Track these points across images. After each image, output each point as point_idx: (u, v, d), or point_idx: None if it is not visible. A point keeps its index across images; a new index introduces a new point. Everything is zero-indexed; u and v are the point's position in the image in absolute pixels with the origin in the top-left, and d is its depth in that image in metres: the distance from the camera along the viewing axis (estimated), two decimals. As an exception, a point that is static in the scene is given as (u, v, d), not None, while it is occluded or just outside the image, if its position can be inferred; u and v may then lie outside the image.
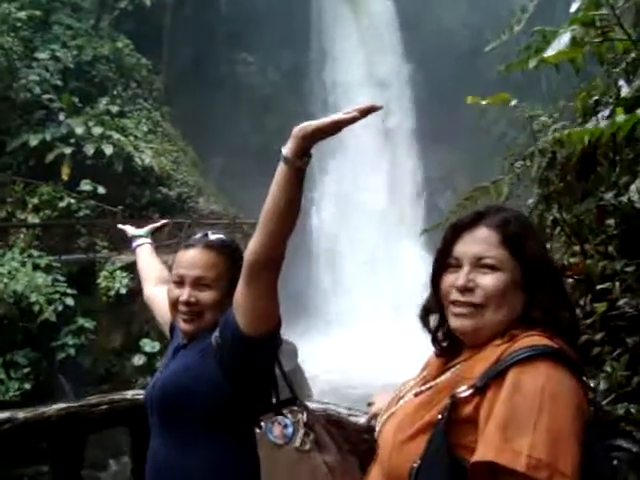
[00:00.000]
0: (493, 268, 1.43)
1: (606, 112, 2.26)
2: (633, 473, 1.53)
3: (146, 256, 2.72)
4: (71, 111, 19.12)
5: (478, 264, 1.44)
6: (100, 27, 22.69)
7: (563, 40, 2.38)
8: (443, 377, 1.46)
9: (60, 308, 14.21)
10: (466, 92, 2.97)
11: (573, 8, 2.60)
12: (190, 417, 1.97)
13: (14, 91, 18.38)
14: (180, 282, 2.06)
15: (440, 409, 1.35)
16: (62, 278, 14.90)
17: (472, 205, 3.08)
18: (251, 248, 1.72)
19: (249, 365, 1.92)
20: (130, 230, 2.86)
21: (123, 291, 15.00)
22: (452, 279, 1.47)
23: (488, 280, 1.42)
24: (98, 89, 21.14)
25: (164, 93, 24.68)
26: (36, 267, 14.56)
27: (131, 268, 14.48)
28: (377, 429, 1.55)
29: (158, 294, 2.43)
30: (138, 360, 14.89)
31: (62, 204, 17.58)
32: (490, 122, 28.42)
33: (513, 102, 2.90)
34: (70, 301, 14.48)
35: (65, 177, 17.94)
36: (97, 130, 18.74)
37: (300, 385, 17.41)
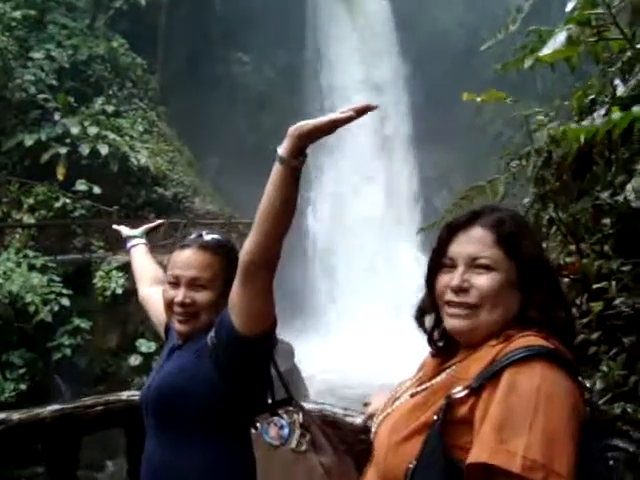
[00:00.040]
0: (488, 268, 1.42)
1: (602, 111, 2.26)
2: (630, 473, 1.53)
3: (141, 256, 2.71)
4: (66, 111, 19.07)
5: (473, 264, 1.44)
6: (95, 27, 22.63)
7: (559, 39, 2.38)
8: (439, 378, 1.46)
9: (56, 308, 14.18)
10: (462, 92, 2.96)
11: (569, 7, 2.59)
12: (185, 418, 1.97)
13: (9, 91, 18.33)
14: (175, 283, 2.05)
15: (435, 410, 1.34)
16: (58, 278, 14.86)
17: (468, 204, 3.07)
18: (246, 248, 1.72)
19: (245, 365, 1.91)
20: (125, 230, 2.85)
21: (119, 291, 14.97)
22: (447, 279, 1.46)
23: (483, 280, 1.41)
24: (93, 89, 21.09)
25: (160, 93, 24.62)
26: (32, 267, 14.53)
27: (127, 268, 14.43)
28: (373, 430, 1.55)
29: (153, 295, 2.42)
30: (134, 360, 14.87)
31: (57, 204, 17.55)
32: (486, 121, 28.45)
33: (508, 100, 2.90)
34: (66, 301, 14.45)
35: (60, 177, 17.90)
36: (92, 130, 18.69)
37: (296, 385, 17.40)
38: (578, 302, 2.51)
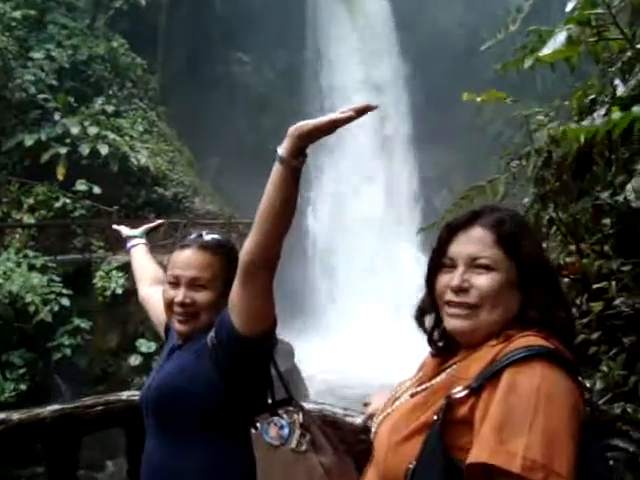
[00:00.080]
0: (488, 268, 1.42)
1: (602, 111, 2.26)
2: (629, 473, 1.53)
3: (141, 256, 2.71)
4: (66, 111, 19.07)
5: (473, 264, 1.44)
6: (95, 27, 22.62)
7: (559, 39, 2.38)
8: (439, 378, 1.45)
9: (56, 308, 14.18)
10: (462, 92, 2.96)
11: (569, 7, 2.59)
12: (185, 418, 1.97)
13: (9, 91, 18.33)
14: (175, 283, 2.05)
15: (435, 410, 1.34)
16: (58, 278, 14.86)
17: (468, 204, 3.07)
18: (246, 248, 1.72)
19: (245, 365, 1.91)
20: (125, 230, 2.84)
21: (119, 291, 14.97)
22: (447, 279, 1.46)
23: (483, 280, 1.41)
24: (93, 89, 21.08)
25: (160, 93, 24.61)
26: (32, 267, 14.53)
27: (127, 268, 14.43)
28: (373, 430, 1.55)
29: (153, 295, 2.42)
30: (134, 360, 14.86)
31: (57, 204, 17.54)
32: (486, 121, 28.45)
33: (509, 100, 2.90)
34: (66, 301, 14.45)
35: (60, 177, 17.90)
36: (93, 130, 18.69)
37: (296, 385, 17.40)
38: (578, 302, 2.51)
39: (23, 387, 13.06)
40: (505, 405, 1.23)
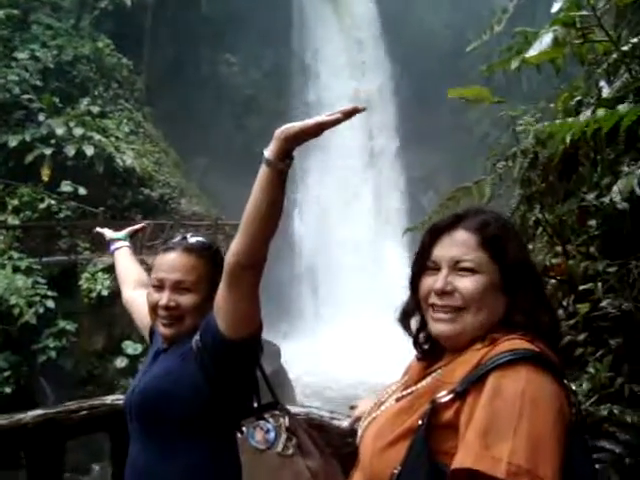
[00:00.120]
0: (472, 271, 1.41)
1: (588, 112, 2.26)
2: (616, 474, 1.53)
3: (124, 259, 2.69)
4: (51, 111, 18.94)
5: (456, 267, 1.43)
6: (80, 27, 22.48)
7: (545, 41, 2.39)
8: (424, 382, 1.44)
9: (41, 310, 14.07)
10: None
11: (555, 8, 2.60)
12: (170, 422, 1.95)
13: (-7, 91, 18.20)
14: (159, 286, 2.03)
15: (420, 415, 1.33)
16: (43, 280, 14.75)
17: (454, 205, 3.08)
18: (232, 250, 1.70)
19: (230, 369, 1.90)
20: (108, 233, 2.82)
21: (105, 293, 14.88)
22: (430, 282, 1.45)
23: (467, 283, 1.40)
24: (79, 89, 20.95)
25: (145, 93, 24.52)
26: (16, 269, 14.41)
27: (113, 270, 14.14)
28: (359, 434, 1.54)
29: (137, 298, 2.40)
30: (120, 362, 14.78)
31: (42, 205, 17.40)
32: (473, 122, 28.60)
33: (495, 100, 2.91)
34: (51, 303, 14.34)
35: (45, 178, 17.77)
36: (78, 131, 18.57)
37: (283, 386, 17.38)
38: (565, 303, 2.52)
39: (8, 390, 12.95)
40: (490, 409, 1.22)
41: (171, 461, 1.93)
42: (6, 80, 18.42)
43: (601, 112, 1.99)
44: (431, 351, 1.52)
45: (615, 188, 2.11)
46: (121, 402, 2.27)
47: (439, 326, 1.43)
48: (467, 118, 28.62)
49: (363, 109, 1.52)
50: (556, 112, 2.87)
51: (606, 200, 2.18)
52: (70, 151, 18.18)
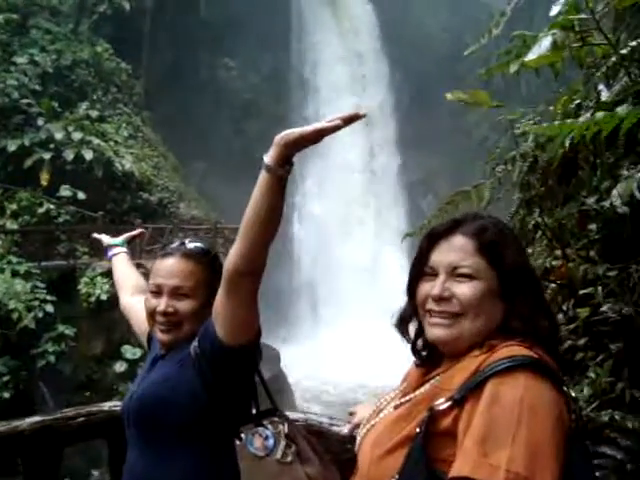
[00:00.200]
0: (469, 277, 1.40)
1: (587, 116, 2.26)
2: (616, 480, 1.51)
3: (122, 265, 2.68)
4: (50, 116, 18.96)
5: (454, 273, 1.41)
6: (79, 31, 22.54)
7: (544, 44, 2.38)
8: (422, 389, 1.43)
9: (40, 315, 14.07)
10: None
11: (553, 12, 2.59)
12: (167, 428, 1.94)
13: (-8, 96, 18.21)
14: (158, 292, 2.02)
15: (418, 422, 1.32)
16: (42, 285, 14.75)
17: (453, 209, 3.07)
18: (231, 257, 1.69)
19: (228, 375, 1.89)
20: (105, 239, 2.81)
21: (104, 297, 14.88)
22: (428, 288, 1.44)
23: (464, 289, 1.39)
24: (78, 94, 20.98)
25: (144, 98, 24.55)
26: (15, 274, 14.40)
27: (112, 274, 14.31)
28: (357, 441, 1.52)
29: (135, 304, 2.38)
30: (119, 367, 14.76)
31: (41, 210, 17.42)
32: (472, 125, 28.64)
33: (494, 103, 2.90)
34: (50, 308, 14.34)
35: (44, 182, 17.78)
36: (77, 135, 18.59)
37: (283, 390, 17.37)
38: (565, 308, 2.51)
39: (6, 395, 12.93)
40: (488, 417, 1.21)
41: (169, 468, 1.92)
42: (5, 85, 18.46)
43: (600, 114, 1.98)
44: (429, 357, 1.51)
45: (615, 192, 2.10)
46: (119, 408, 2.26)
47: (436, 331, 1.42)
48: (466, 121, 28.67)
49: (363, 116, 1.51)
50: (555, 115, 2.86)
51: (606, 204, 2.17)
52: (69, 155, 18.20)
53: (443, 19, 32.24)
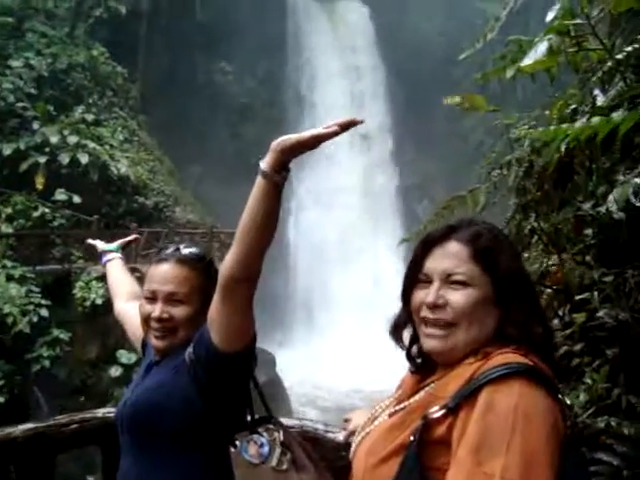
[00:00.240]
0: (464, 284, 1.39)
1: (583, 120, 2.25)
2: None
3: (117, 271, 2.67)
4: (46, 120, 18.93)
5: (448, 280, 1.41)
6: (75, 35, 22.51)
7: (540, 49, 2.38)
8: (417, 396, 1.42)
9: (35, 319, 14.00)
10: (442, 101, 2.96)
11: (549, 17, 2.59)
12: (161, 435, 1.92)
13: (-13, 99, 18.17)
14: (152, 298, 2.01)
15: (412, 430, 1.31)
16: (36, 289, 14.69)
17: (449, 214, 3.07)
18: (227, 263, 1.68)
19: (223, 382, 1.88)
20: (100, 245, 2.80)
21: (99, 302, 14.83)
22: (422, 295, 1.43)
23: (458, 297, 1.38)
24: (73, 97, 20.94)
25: (140, 102, 24.54)
26: (10, 278, 14.34)
27: (107, 279, 14.31)
28: (352, 449, 1.51)
29: (129, 310, 2.37)
30: (115, 372, 14.71)
31: (36, 214, 17.34)
32: (468, 130, 28.66)
33: (490, 108, 2.90)
34: (45, 312, 14.27)
35: (39, 186, 17.72)
36: (72, 139, 18.55)
37: (279, 395, 17.34)
38: (561, 313, 2.50)
39: (1, 400, 12.85)
40: (482, 424, 1.20)
41: (163, 475, 1.91)
42: (0, 88, 18.40)
43: (596, 119, 1.98)
44: (424, 364, 1.50)
45: (611, 197, 2.09)
46: (112, 415, 2.24)
47: (431, 342, 1.41)
48: (462, 126, 28.70)
49: (361, 122, 1.51)
50: (551, 120, 2.86)
51: (602, 209, 2.16)
52: (64, 159, 18.15)
53: (439, 23, 32.29)
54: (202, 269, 2.04)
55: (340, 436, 1.90)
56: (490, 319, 1.38)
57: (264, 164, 1.57)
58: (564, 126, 2.13)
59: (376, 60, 31.95)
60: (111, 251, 2.74)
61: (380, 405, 1.56)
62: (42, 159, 17.91)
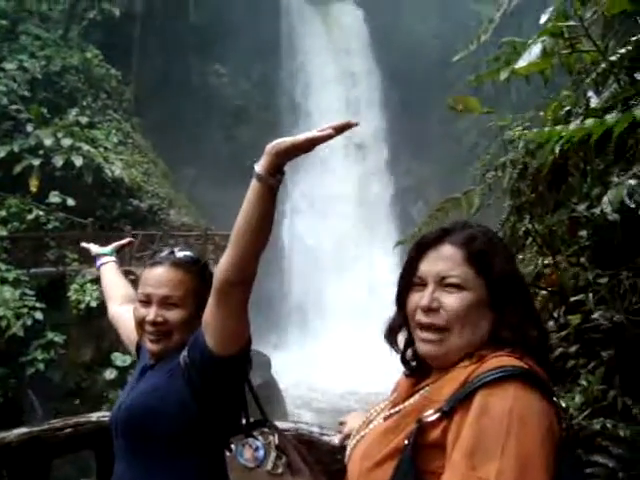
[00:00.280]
0: (458, 287, 1.39)
1: (577, 122, 2.26)
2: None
3: (111, 274, 2.66)
4: (40, 122, 18.88)
5: (442, 283, 1.40)
6: (69, 37, 22.46)
7: (534, 51, 2.38)
8: (411, 400, 1.42)
9: (29, 322, 13.98)
10: (437, 103, 2.97)
11: (543, 19, 2.60)
12: (156, 439, 1.91)
13: (-20, 102, 18.13)
14: (147, 301, 2.00)
15: (407, 434, 1.30)
16: (31, 292, 14.66)
17: (443, 217, 3.06)
18: (222, 266, 1.68)
19: (218, 385, 1.87)
20: (94, 248, 2.80)
21: (94, 304, 14.80)
22: (417, 298, 1.43)
23: (452, 300, 1.38)
24: (67, 100, 20.90)
25: (134, 104, 24.50)
26: (4, 281, 14.32)
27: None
28: (347, 453, 1.51)
29: (124, 313, 2.37)
30: (109, 374, 14.68)
31: (31, 216, 17.30)
32: (462, 132, 28.69)
33: (485, 109, 2.90)
34: (39, 315, 14.25)
35: (33, 189, 17.68)
36: (66, 141, 18.51)
37: (274, 397, 17.32)
38: (556, 315, 2.50)
39: (-5, 403, 12.84)
40: (477, 428, 1.20)
41: (157, 479, 1.90)
42: (-6, 91, 18.37)
43: (590, 121, 1.98)
44: (419, 368, 1.49)
45: (605, 199, 2.09)
46: (107, 419, 2.23)
47: (426, 347, 1.40)
48: (456, 128, 28.73)
49: (356, 124, 1.51)
50: (545, 121, 2.86)
51: (596, 211, 2.17)
52: (58, 162, 18.11)
53: (433, 25, 32.32)
54: (196, 272, 2.04)
55: (335, 439, 1.89)
56: (484, 322, 1.38)
57: (259, 167, 1.56)
58: (558, 128, 2.13)
59: (370, 63, 31.95)
60: (105, 254, 2.73)
61: (375, 408, 1.55)
62: (36, 162, 17.86)
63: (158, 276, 2.01)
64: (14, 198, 17.35)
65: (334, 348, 23.93)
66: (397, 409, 1.44)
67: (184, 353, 1.91)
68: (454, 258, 1.41)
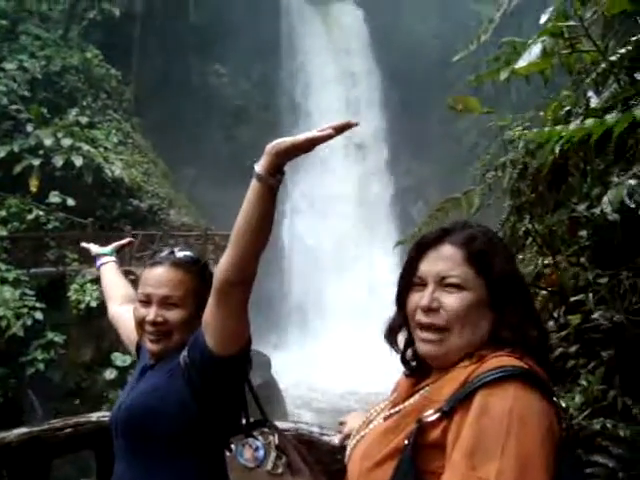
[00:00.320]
0: (458, 287, 1.38)
1: (577, 122, 2.26)
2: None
3: (111, 274, 2.67)
4: (40, 122, 18.88)
5: (442, 283, 1.40)
6: (69, 37, 22.46)
7: (534, 51, 2.38)
8: (411, 400, 1.42)
9: (29, 322, 13.98)
10: (437, 103, 2.97)
11: (543, 19, 2.60)
12: (156, 439, 1.91)
13: (-19, 102, 18.13)
14: (147, 301, 2.00)
15: (407, 434, 1.30)
16: (31, 292, 14.66)
17: (443, 217, 3.06)
18: (222, 266, 1.68)
19: (218, 385, 1.87)
20: (94, 248, 2.80)
21: (94, 304, 14.80)
22: (417, 298, 1.43)
23: (452, 300, 1.38)
24: (67, 100, 20.90)
25: (134, 104, 24.50)
26: (4, 281, 14.32)
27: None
28: (347, 453, 1.51)
29: (124, 313, 2.37)
30: (109, 374, 14.68)
31: (31, 216, 17.31)
32: (462, 132, 28.69)
33: (485, 109, 2.90)
34: (39, 315, 14.25)
35: (34, 189, 17.68)
36: (66, 141, 18.51)
37: (274, 397, 17.32)
38: (556, 315, 2.50)
39: (-5, 403, 12.84)
40: (477, 428, 1.20)
41: (157, 479, 1.90)
42: (-6, 91, 18.37)
43: (590, 121, 1.98)
44: (419, 368, 1.49)
45: (605, 199, 2.09)
46: (107, 419, 2.23)
47: (426, 347, 1.40)
48: (456, 128, 28.73)
49: (356, 124, 1.51)
50: (545, 121, 2.86)
51: (597, 211, 2.16)
52: (58, 162, 18.11)
53: (433, 25, 32.31)
54: (196, 272, 2.04)
55: (335, 439, 1.89)
56: (484, 322, 1.38)
57: (259, 167, 1.56)
58: (558, 128, 2.13)
59: (370, 63, 31.95)
60: (105, 254, 2.73)
61: (375, 408, 1.55)
62: (36, 162, 17.86)
63: (158, 276, 2.01)
64: (14, 198, 17.35)
65: (334, 348, 23.93)
66: (397, 409, 1.44)
67: (184, 353, 1.91)
68: (454, 258, 1.41)
